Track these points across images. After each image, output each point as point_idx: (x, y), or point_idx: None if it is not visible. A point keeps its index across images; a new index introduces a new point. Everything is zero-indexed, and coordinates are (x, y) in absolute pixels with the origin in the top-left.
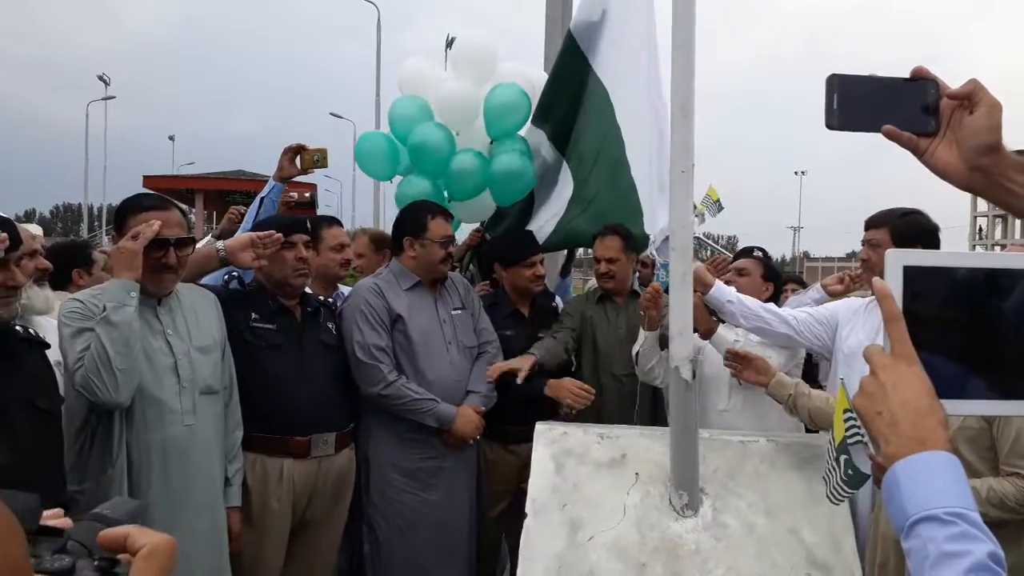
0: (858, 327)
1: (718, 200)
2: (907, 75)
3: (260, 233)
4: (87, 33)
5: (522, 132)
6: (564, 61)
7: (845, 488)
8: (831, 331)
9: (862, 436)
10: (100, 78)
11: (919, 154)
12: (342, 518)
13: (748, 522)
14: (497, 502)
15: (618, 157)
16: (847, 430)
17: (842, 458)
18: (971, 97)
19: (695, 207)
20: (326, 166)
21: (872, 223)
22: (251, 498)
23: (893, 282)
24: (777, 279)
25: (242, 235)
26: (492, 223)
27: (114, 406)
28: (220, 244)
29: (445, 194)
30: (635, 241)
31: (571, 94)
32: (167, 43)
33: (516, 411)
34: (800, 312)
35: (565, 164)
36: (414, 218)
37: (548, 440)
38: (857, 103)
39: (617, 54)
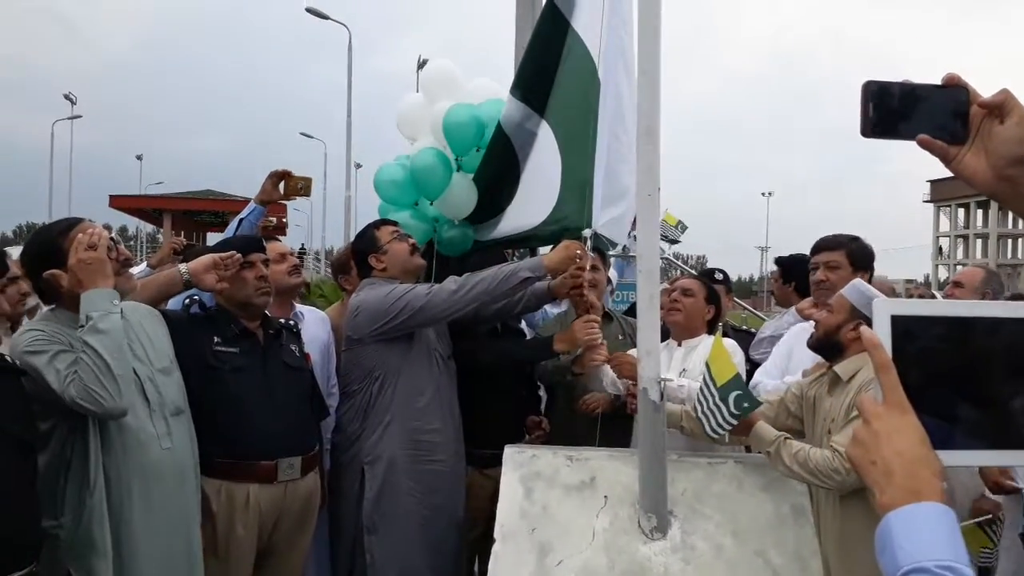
0: (800, 348)
1: (678, 223)
2: (939, 82)
3: (222, 255)
4: (53, 52)
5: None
6: (543, 23)
7: (732, 422)
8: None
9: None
10: (67, 97)
11: (947, 161)
12: (306, 543)
13: (716, 544)
14: (472, 527)
15: (592, 134)
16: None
17: (732, 395)
18: (1002, 107)
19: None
20: (309, 195)
21: (826, 246)
22: (216, 525)
23: (882, 331)
24: (717, 302)
25: (204, 257)
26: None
27: (119, 414)
28: (184, 267)
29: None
30: (604, 246)
31: (550, 57)
32: (136, 62)
33: (491, 433)
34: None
35: (549, 130)
36: (364, 238)
37: (517, 463)
38: (891, 111)
39: (595, 21)
